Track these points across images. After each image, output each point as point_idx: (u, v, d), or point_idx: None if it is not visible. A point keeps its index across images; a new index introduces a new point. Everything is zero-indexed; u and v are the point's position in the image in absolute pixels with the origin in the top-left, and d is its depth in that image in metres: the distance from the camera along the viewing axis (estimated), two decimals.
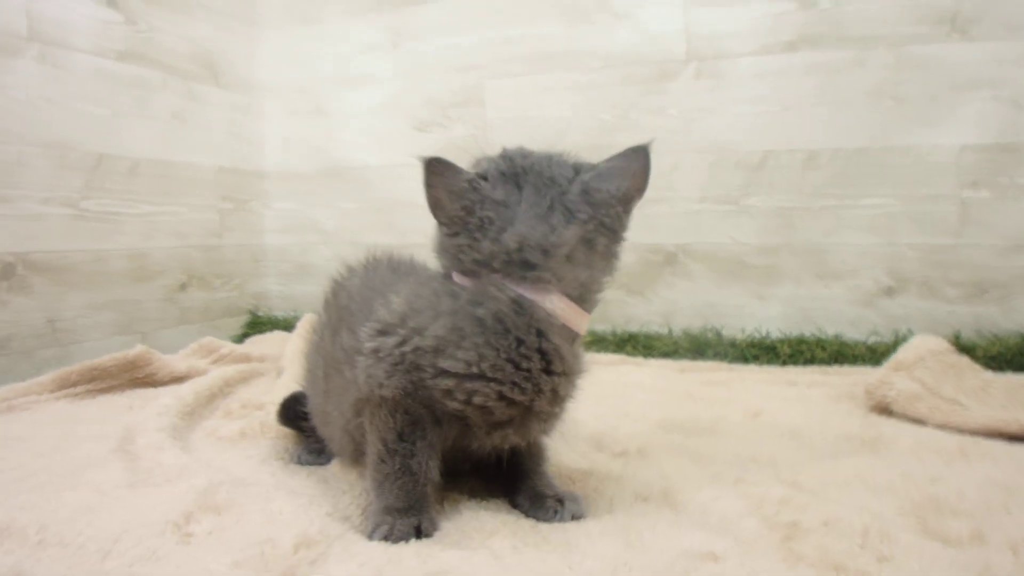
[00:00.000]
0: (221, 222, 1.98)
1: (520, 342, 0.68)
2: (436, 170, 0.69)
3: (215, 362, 1.56)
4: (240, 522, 0.70)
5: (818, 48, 1.55)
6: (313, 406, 0.88)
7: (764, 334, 1.61)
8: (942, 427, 1.03)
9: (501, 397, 0.68)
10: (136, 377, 1.36)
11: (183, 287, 1.86)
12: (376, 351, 0.71)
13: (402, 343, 0.69)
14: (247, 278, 2.08)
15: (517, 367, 0.67)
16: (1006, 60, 1.44)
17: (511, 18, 1.80)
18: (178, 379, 1.40)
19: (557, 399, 0.72)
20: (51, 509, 0.74)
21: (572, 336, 0.72)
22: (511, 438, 0.72)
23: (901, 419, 1.09)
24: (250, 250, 2.09)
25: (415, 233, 1.97)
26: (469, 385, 0.67)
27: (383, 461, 0.71)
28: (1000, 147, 1.46)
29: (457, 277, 0.71)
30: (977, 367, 1.18)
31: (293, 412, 0.99)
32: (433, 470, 0.71)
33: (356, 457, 0.81)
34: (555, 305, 0.69)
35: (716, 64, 1.63)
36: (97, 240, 1.63)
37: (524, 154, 0.72)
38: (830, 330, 1.58)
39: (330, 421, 0.82)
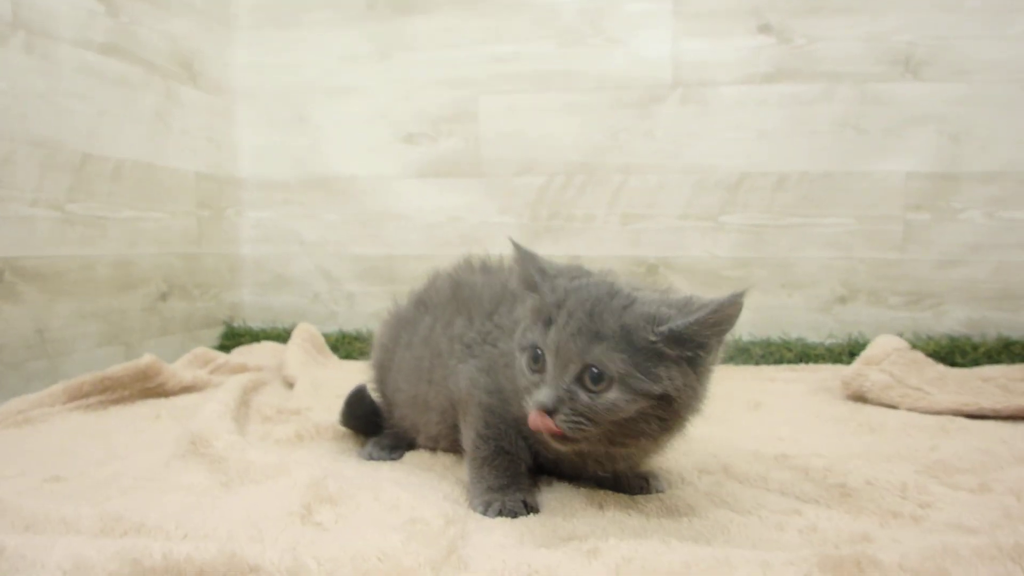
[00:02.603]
0: (199, 230, 1.93)
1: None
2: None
3: (212, 372, 1.56)
4: (361, 510, 0.72)
5: (792, 81, 1.76)
6: (403, 396, 0.94)
7: (736, 337, 1.79)
8: (912, 410, 1.21)
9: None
10: (147, 387, 1.35)
11: (164, 297, 1.81)
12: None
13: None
14: (223, 288, 2.04)
15: None
16: (949, 99, 1.69)
17: (505, 36, 1.89)
18: (187, 389, 1.40)
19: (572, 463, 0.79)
20: (159, 507, 0.72)
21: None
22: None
23: (875, 405, 1.27)
24: (226, 260, 2.06)
25: (403, 245, 2.06)
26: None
27: (478, 447, 0.79)
28: (940, 175, 1.72)
29: None
30: (931, 361, 1.39)
31: (360, 409, 1.04)
32: (524, 451, 0.79)
33: (451, 442, 0.87)
34: None
35: (701, 91, 1.81)
36: (84, 246, 1.57)
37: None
38: (793, 334, 1.78)
39: (430, 407, 0.88)
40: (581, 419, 0.67)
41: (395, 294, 1.07)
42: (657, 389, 0.66)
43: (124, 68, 1.67)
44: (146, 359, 1.36)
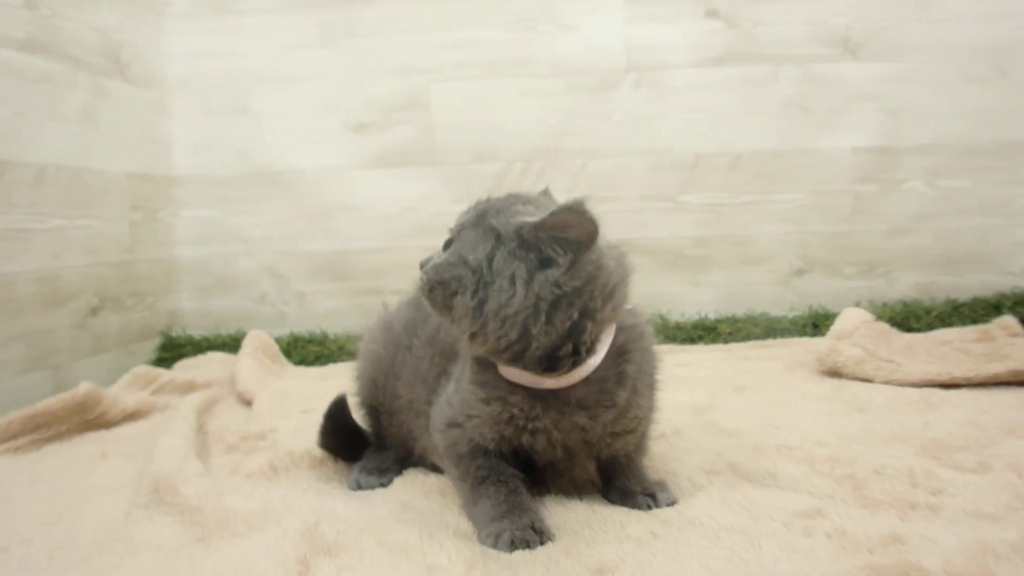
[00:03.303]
0: (132, 235, 1.78)
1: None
2: None
3: (155, 393, 1.43)
4: (367, 559, 0.66)
5: (741, 64, 1.79)
6: (402, 403, 0.89)
7: (702, 316, 1.81)
8: (887, 383, 1.25)
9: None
10: (87, 419, 1.21)
11: (95, 311, 1.66)
12: None
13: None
14: (159, 296, 1.90)
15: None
16: (886, 79, 1.76)
17: (457, 22, 1.83)
18: (130, 416, 1.27)
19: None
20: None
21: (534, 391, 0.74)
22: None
23: (851, 379, 1.30)
24: (162, 264, 1.91)
25: (357, 238, 1.96)
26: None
27: (462, 488, 0.77)
28: (881, 150, 1.78)
29: None
30: (896, 331, 1.43)
31: (342, 424, 0.96)
32: (505, 469, 0.75)
33: None
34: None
35: (654, 75, 1.80)
36: (3, 262, 1.41)
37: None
38: (757, 309, 1.82)
39: (421, 413, 0.84)
40: (427, 277, 0.73)
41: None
42: (470, 257, 0.71)
43: (46, 65, 1.52)
44: (83, 389, 1.22)
